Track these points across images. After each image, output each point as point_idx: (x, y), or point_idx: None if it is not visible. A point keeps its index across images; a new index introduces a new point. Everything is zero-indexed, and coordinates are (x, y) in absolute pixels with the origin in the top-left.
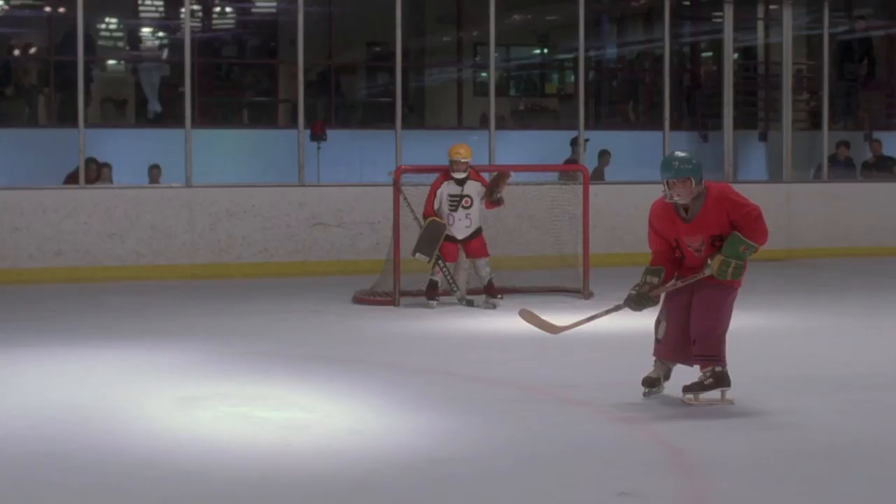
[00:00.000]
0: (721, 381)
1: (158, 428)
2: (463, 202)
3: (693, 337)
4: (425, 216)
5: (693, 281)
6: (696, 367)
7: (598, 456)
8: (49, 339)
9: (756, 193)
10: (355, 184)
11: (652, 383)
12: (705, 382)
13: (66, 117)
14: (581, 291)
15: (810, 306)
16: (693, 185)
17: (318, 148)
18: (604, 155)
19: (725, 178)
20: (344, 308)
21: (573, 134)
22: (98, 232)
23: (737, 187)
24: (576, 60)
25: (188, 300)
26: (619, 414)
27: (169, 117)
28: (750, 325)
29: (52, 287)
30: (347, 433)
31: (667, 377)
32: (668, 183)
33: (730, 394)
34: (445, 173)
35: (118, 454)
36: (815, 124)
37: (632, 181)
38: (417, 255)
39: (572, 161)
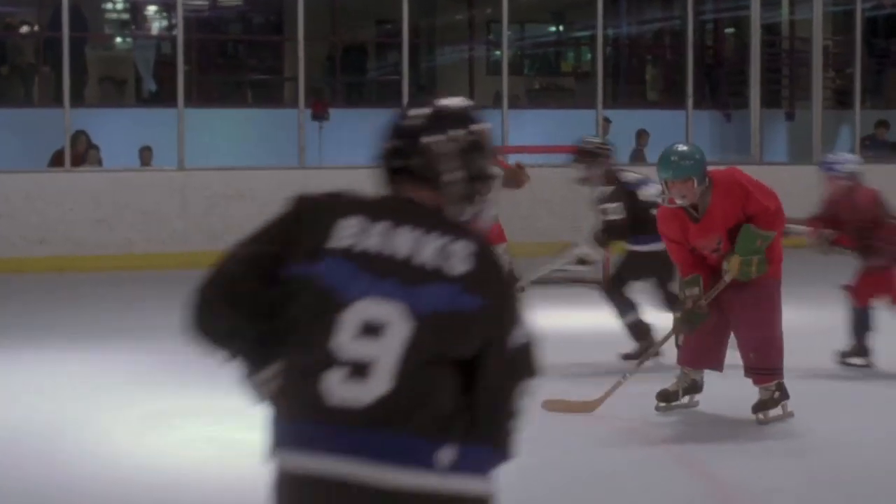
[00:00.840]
0: (784, 392)
1: (116, 453)
2: None
3: (748, 350)
4: None
5: (720, 290)
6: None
7: (625, 489)
8: (18, 339)
9: (783, 176)
10: (360, 166)
11: (667, 397)
12: (774, 397)
13: (61, 97)
14: (600, 283)
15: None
16: (696, 184)
17: (320, 128)
18: (642, 135)
19: (752, 159)
20: None
21: (591, 113)
22: (85, 218)
23: (764, 169)
24: (593, 38)
25: (178, 292)
26: (643, 434)
27: (167, 97)
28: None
29: (33, 278)
30: None
31: (695, 389)
32: (666, 184)
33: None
34: None
35: (62, 489)
36: (841, 103)
37: (653, 164)
38: None
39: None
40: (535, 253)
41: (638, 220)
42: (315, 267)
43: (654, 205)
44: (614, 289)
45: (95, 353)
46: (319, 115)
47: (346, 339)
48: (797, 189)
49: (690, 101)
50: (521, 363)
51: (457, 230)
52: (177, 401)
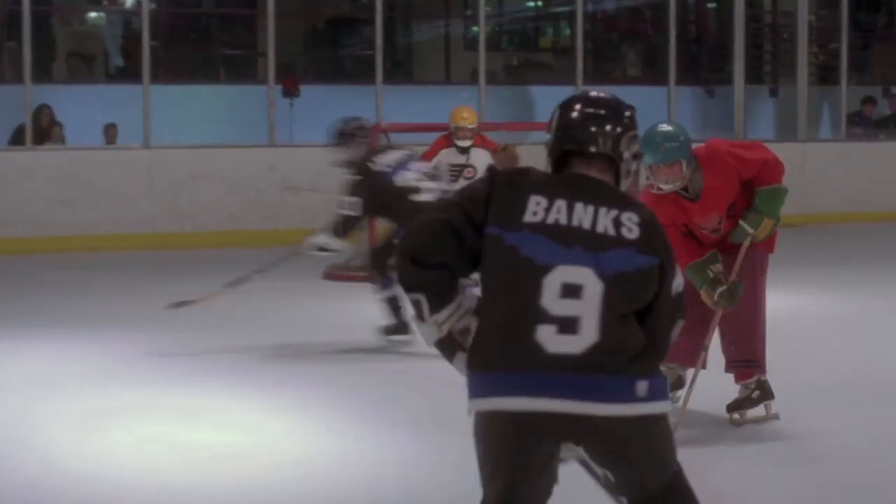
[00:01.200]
0: (767, 392)
1: (54, 458)
2: (465, 173)
3: (729, 341)
4: None
5: (744, 253)
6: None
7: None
8: None
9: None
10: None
11: None
12: (753, 396)
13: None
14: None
15: (834, 285)
16: (684, 167)
17: (291, 105)
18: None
19: (736, 136)
20: (314, 285)
21: (568, 90)
22: (47, 198)
23: None
24: (572, 13)
25: (142, 275)
26: None
27: (135, 73)
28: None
29: None
30: (294, 465)
31: (679, 385)
32: (651, 168)
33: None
34: (447, 138)
35: None
36: (825, 79)
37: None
38: None
39: None
40: None
41: (397, 209)
42: (513, 235)
43: (414, 190)
44: (378, 263)
45: (50, 343)
46: (290, 92)
47: (551, 300)
48: (785, 166)
49: (673, 78)
50: (679, 306)
51: (622, 202)
52: (130, 397)
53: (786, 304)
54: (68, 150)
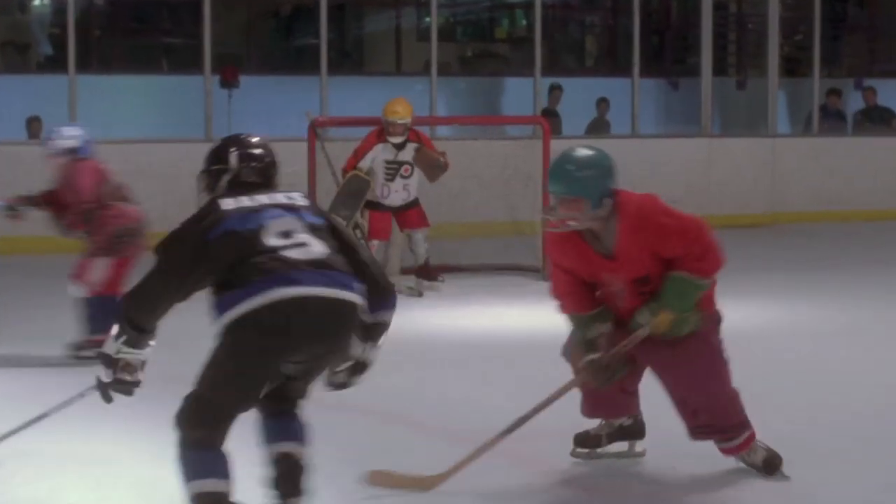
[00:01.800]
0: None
1: None
2: (402, 171)
3: (693, 408)
4: (346, 171)
5: (634, 343)
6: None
7: None
8: None
9: (738, 149)
10: (272, 138)
11: (585, 442)
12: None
13: None
14: (540, 270)
15: (805, 290)
16: (586, 207)
17: (230, 97)
18: (602, 103)
19: (703, 131)
20: None
21: (525, 82)
22: None
23: (716, 142)
24: (529, 3)
25: (57, 283)
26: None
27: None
28: (730, 324)
29: None
30: None
31: (631, 434)
32: (556, 198)
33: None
34: (379, 133)
35: None
36: (790, 71)
37: (587, 136)
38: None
39: (550, 112)
40: (467, 234)
41: None
42: (221, 226)
43: None
44: None
45: None
46: (229, 83)
47: (276, 240)
48: (752, 162)
49: (637, 69)
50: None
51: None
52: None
53: (748, 311)
54: None
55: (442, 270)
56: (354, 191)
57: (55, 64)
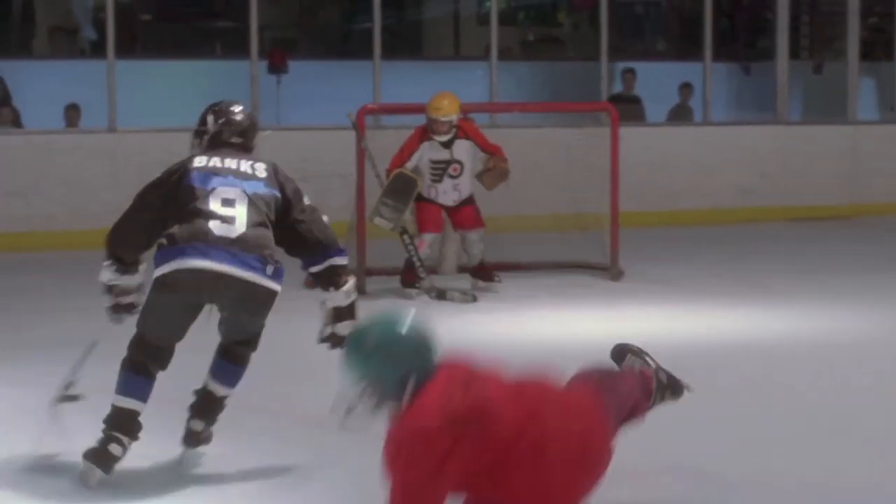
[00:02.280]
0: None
1: None
2: (450, 170)
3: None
4: (389, 172)
5: None
6: None
7: None
8: None
9: (816, 137)
10: (323, 126)
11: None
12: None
13: None
14: (608, 269)
15: (887, 294)
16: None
17: (278, 82)
18: (685, 88)
19: (779, 118)
20: (290, 297)
21: (591, 66)
22: None
23: (793, 130)
24: None
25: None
26: None
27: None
28: (804, 337)
29: None
30: None
31: None
32: None
33: None
34: (424, 130)
35: None
36: (865, 54)
37: (660, 123)
38: (376, 219)
39: (624, 97)
40: (527, 228)
41: None
42: (186, 179)
43: None
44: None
45: None
46: (277, 68)
47: (216, 206)
48: (831, 150)
49: (709, 52)
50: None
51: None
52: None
53: (822, 320)
54: (20, 135)
55: (500, 269)
56: (400, 189)
57: (99, 49)
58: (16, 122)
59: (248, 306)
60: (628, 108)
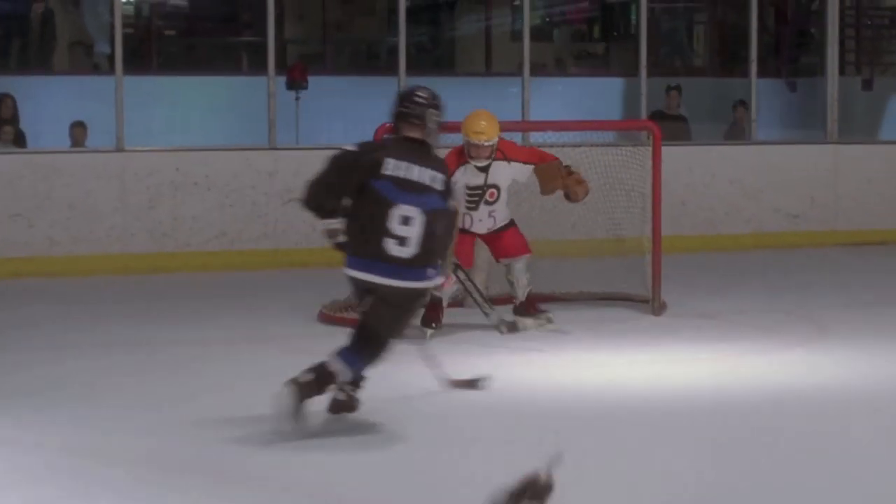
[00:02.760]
0: None
1: None
2: (487, 195)
3: None
4: None
5: None
6: None
7: None
8: None
9: (868, 157)
10: (342, 146)
11: None
12: None
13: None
14: (649, 301)
15: None
16: None
17: (297, 99)
18: (739, 107)
19: (829, 136)
20: (301, 332)
21: (625, 82)
22: None
23: (843, 149)
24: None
25: (102, 312)
26: None
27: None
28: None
29: None
30: None
31: None
32: None
33: None
34: (460, 153)
35: None
36: None
37: (706, 143)
38: None
39: (666, 115)
40: (562, 253)
41: None
42: (377, 182)
43: None
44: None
45: None
46: (296, 84)
47: (395, 224)
48: (884, 172)
49: (755, 68)
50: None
51: (435, 164)
52: None
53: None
54: (22, 154)
55: (537, 300)
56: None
57: (112, 64)
58: (17, 141)
59: (400, 308)
60: (672, 126)
